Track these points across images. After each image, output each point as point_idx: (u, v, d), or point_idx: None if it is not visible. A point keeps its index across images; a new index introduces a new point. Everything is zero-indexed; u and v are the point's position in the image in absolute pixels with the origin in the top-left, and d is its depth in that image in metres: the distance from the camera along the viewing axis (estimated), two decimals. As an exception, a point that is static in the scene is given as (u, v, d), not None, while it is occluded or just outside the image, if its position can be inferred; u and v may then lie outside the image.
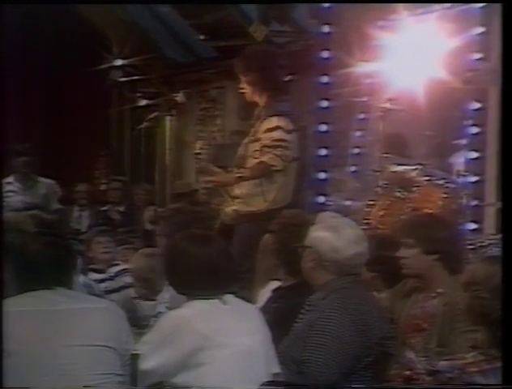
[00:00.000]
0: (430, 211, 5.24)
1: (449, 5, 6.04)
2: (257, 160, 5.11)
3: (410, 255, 3.73)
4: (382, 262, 4.02)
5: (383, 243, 4.27)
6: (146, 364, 3.17)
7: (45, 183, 8.30)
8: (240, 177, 5.14)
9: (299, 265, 3.70)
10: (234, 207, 5.21)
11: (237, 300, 3.33)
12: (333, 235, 3.50)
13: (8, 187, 7.92)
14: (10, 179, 8.05)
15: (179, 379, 3.16)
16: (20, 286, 3.16)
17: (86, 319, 3.12)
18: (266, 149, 5.07)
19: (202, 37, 8.93)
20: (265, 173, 5.09)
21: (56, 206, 8.27)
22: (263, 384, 3.15)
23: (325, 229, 3.54)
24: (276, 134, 5.09)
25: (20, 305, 3.09)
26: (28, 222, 3.68)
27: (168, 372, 3.17)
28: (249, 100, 5.39)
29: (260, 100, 5.30)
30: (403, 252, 3.76)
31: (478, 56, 6.03)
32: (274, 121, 5.13)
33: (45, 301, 3.11)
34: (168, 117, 9.88)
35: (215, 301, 3.24)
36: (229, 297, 3.28)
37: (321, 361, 3.32)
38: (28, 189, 8.13)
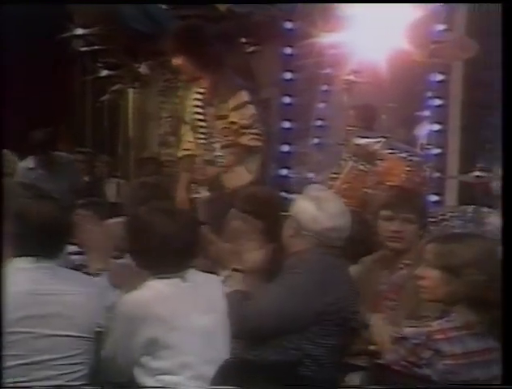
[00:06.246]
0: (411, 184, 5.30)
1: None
2: (231, 139, 5.09)
3: (410, 230, 3.74)
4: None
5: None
6: (106, 352, 3.18)
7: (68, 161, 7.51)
8: (227, 166, 5.12)
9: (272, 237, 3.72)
10: (222, 183, 5.17)
11: (198, 274, 3.25)
12: (315, 206, 3.50)
13: (30, 174, 6.98)
14: (31, 164, 7.17)
15: (138, 364, 3.11)
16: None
17: (64, 305, 3.12)
18: (241, 130, 5.05)
19: (165, 7, 8.83)
20: (249, 155, 5.10)
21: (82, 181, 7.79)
22: (224, 362, 3.08)
23: (308, 200, 3.55)
24: (249, 111, 5.06)
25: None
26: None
27: (128, 358, 3.12)
28: (189, 77, 5.26)
29: (205, 76, 5.15)
30: (402, 227, 3.74)
31: (442, 27, 6.06)
32: (240, 97, 5.07)
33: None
34: (131, 89, 9.77)
35: (175, 279, 3.14)
36: (190, 273, 3.19)
37: (271, 308, 3.34)
38: (54, 174, 7.09)
